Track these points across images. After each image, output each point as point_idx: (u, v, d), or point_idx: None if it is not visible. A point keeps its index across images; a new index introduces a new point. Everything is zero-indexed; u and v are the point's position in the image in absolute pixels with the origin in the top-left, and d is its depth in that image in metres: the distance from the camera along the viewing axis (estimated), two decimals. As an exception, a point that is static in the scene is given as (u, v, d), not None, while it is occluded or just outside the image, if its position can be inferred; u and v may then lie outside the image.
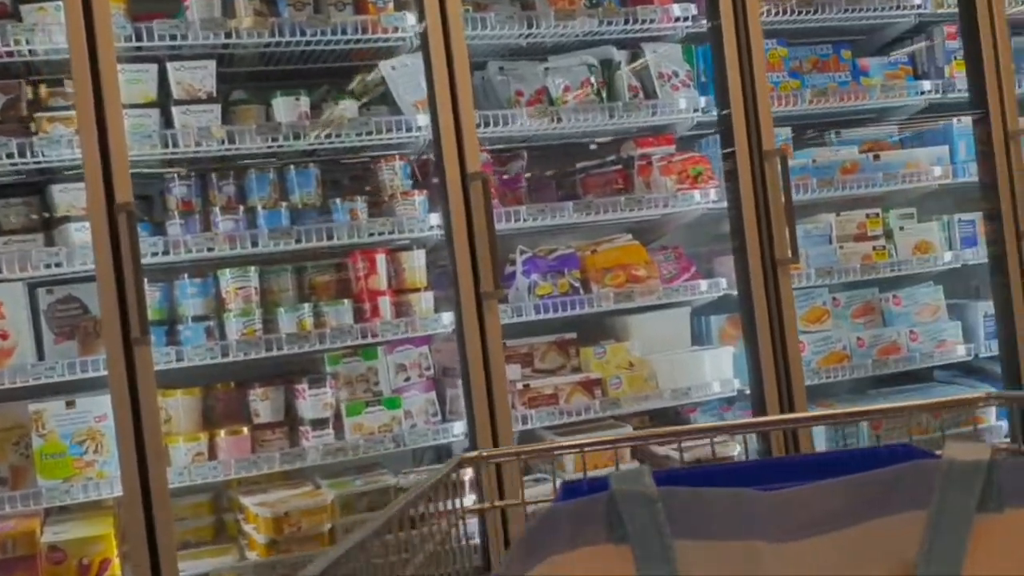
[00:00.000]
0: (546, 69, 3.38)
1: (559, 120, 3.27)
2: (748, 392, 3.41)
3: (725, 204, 3.34)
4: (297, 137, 3.05)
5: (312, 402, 3.06)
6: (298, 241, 3.01)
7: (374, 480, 3.13)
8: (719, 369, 3.43)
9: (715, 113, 3.37)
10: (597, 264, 3.38)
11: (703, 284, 3.42)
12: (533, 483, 3.17)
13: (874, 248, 3.53)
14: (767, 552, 0.79)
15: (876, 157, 3.57)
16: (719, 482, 0.92)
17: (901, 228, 3.60)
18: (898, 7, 3.56)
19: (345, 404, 3.12)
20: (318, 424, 3.06)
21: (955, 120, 3.63)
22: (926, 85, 3.59)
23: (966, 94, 3.55)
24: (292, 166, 3.19)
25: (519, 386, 3.24)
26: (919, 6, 3.56)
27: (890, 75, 3.65)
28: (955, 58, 3.62)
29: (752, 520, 0.81)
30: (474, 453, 1.35)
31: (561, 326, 3.42)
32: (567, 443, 1.56)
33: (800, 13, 3.43)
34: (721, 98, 3.27)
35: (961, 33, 3.51)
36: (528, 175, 3.48)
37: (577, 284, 3.33)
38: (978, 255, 3.58)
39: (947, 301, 3.68)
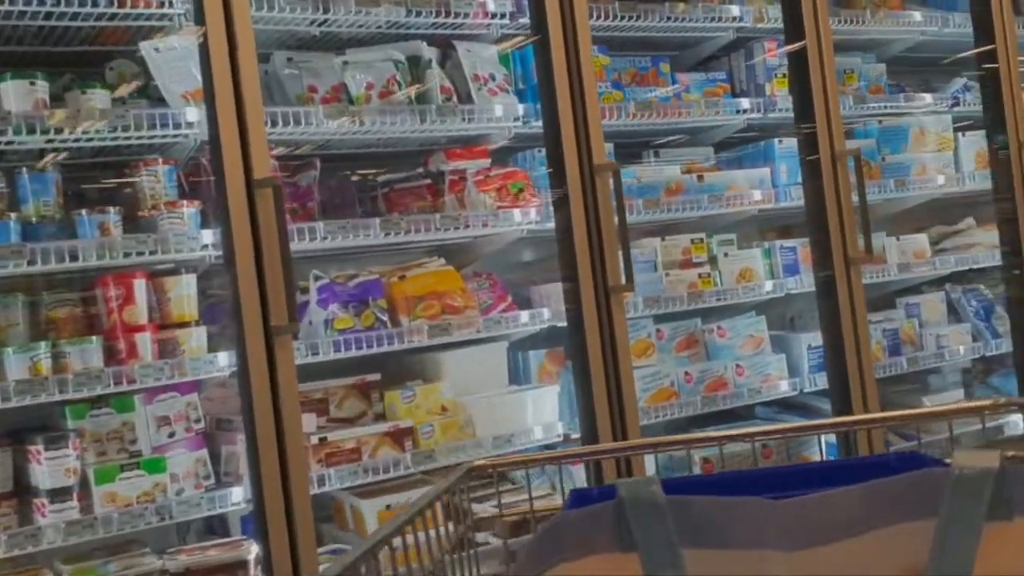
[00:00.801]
0: (345, 63, 2.88)
1: (362, 123, 2.78)
2: (573, 436, 3.04)
3: (550, 224, 2.96)
4: (32, 131, 2.40)
5: (50, 467, 2.39)
6: (31, 263, 2.34)
7: (132, 563, 2.48)
8: (542, 412, 3.03)
9: (535, 123, 3.00)
10: (407, 292, 2.90)
11: (524, 315, 3.02)
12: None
13: (700, 276, 3.27)
14: (777, 561, 0.79)
15: (700, 178, 3.32)
16: (728, 491, 0.90)
17: (725, 255, 3.36)
18: (717, 19, 3.33)
19: (93, 469, 2.46)
20: (58, 495, 2.39)
21: (777, 141, 3.44)
22: (745, 103, 3.39)
23: (788, 113, 3.37)
24: (24, 168, 2.52)
25: (313, 440, 2.70)
26: (738, 18, 3.35)
27: (709, 92, 3.42)
28: (776, 75, 3.45)
29: (761, 529, 0.79)
30: (483, 461, 1.30)
31: (359, 366, 2.91)
32: (574, 451, 1.47)
33: (624, 19, 3.13)
34: (548, 107, 2.90)
35: (786, 49, 3.33)
36: (329, 186, 2.96)
37: (383, 316, 2.83)
38: (801, 283, 3.39)
39: (770, 333, 3.47)
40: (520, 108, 3.01)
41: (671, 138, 3.59)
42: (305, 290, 2.82)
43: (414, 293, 2.90)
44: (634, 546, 0.80)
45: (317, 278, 2.83)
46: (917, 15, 3.67)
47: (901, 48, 3.87)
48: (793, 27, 3.28)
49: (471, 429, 2.92)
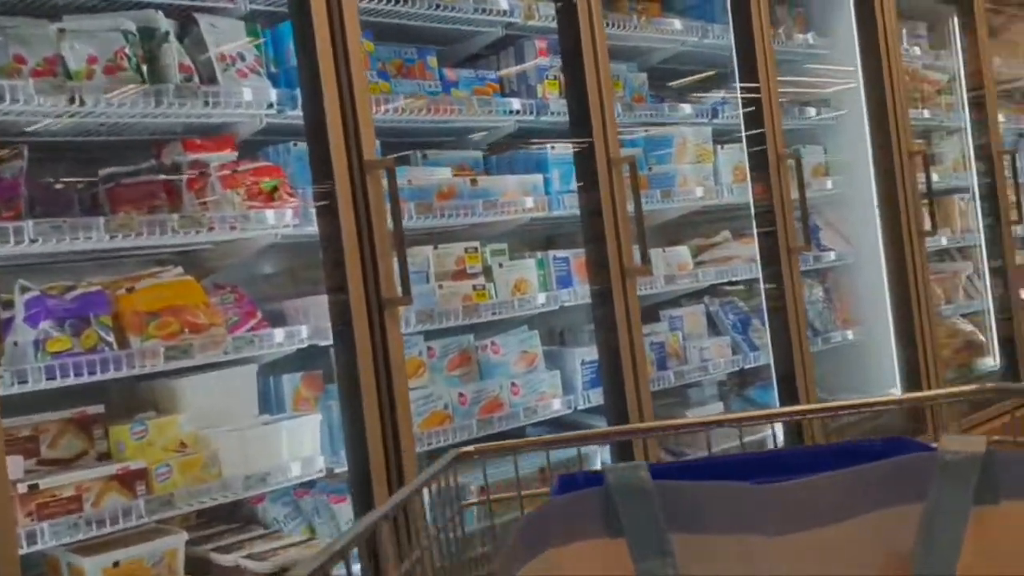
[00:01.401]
0: (61, 31, 2.37)
1: (82, 102, 2.29)
2: (338, 471, 2.68)
3: (309, 228, 2.59)
4: None
5: None
6: None
7: None
8: (300, 444, 2.64)
9: (291, 112, 2.62)
10: (137, 307, 2.42)
11: (279, 334, 2.62)
12: None
13: (475, 288, 3.00)
14: (763, 545, 0.78)
15: (474, 182, 3.06)
16: (715, 476, 0.88)
17: (500, 265, 3.11)
18: (485, 12, 3.10)
19: None
20: None
21: (549, 146, 3.25)
22: (516, 104, 3.17)
23: (560, 117, 3.19)
24: None
25: (21, 488, 2.17)
26: (507, 12, 3.13)
27: (479, 90, 3.17)
28: (547, 77, 3.26)
29: (748, 514, 0.79)
30: (470, 448, 1.28)
31: (78, 396, 2.40)
32: (564, 436, 1.45)
33: (391, 2, 2.82)
34: (309, 94, 2.53)
35: (561, 50, 3.15)
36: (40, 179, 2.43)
37: (108, 336, 2.34)
38: (575, 295, 3.21)
39: (543, 348, 3.26)
40: (273, 93, 2.62)
41: (439, 139, 3.31)
42: (9, 304, 2.29)
43: (146, 308, 2.43)
44: (621, 531, 0.80)
45: (25, 290, 2.30)
46: (677, 23, 3.62)
47: (661, 58, 3.81)
48: (567, 26, 3.10)
49: (216, 468, 2.49)
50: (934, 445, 0.83)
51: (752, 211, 3.68)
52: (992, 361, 4.79)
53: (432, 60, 3.12)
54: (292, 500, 2.84)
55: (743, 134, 3.68)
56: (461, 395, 2.96)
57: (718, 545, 0.80)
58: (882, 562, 0.78)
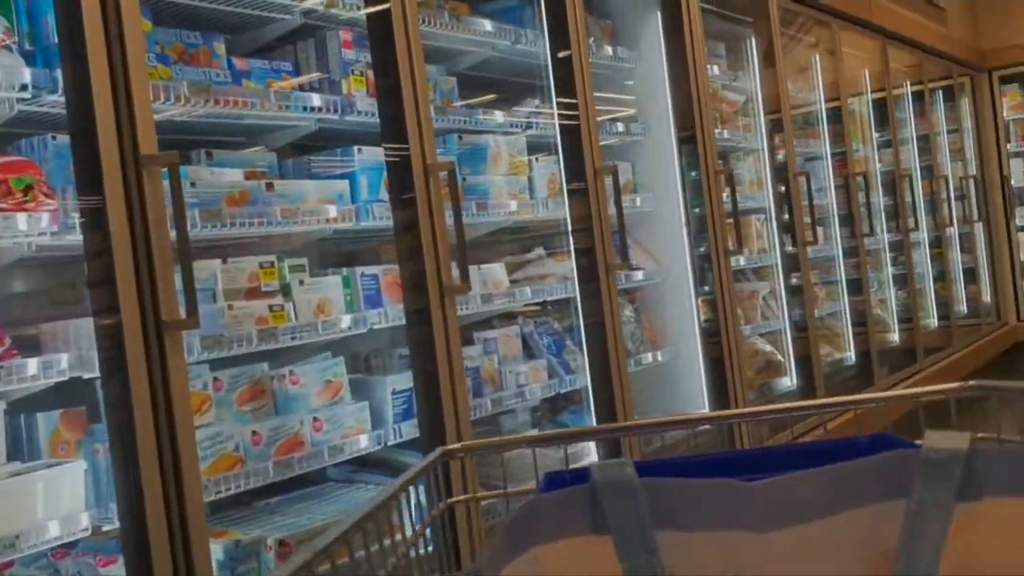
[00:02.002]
0: None
1: None
2: (106, 528, 2.23)
3: (71, 238, 2.15)
4: None
5: None
6: None
7: None
8: (59, 498, 2.17)
9: (51, 98, 2.17)
10: None
11: (31, 364, 2.14)
12: None
13: (271, 308, 2.61)
14: (749, 542, 0.78)
15: (270, 187, 2.67)
16: (701, 473, 0.87)
17: (301, 283, 2.74)
18: (280, -4, 2.75)
19: None
20: None
21: (356, 149, 2.91)
22: (317, 100, 2.81)
23: (368, 118, 2.86)
24: None
25: None
26: (305, -2, 2.79)
27: (274, 84, 2.80)
28: (353, 72, 2.92)
29: (734, 510, 0.79)
30: (456, 445, 1.29)
31: None
32: (549, 433, 1.51)
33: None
34: (74, 77, 2.09)
35: (371, 43, 2.82)
36: None
37: None
38: (385, 317, 2.89)
39: (349, 376, 2.91)
40: (27, 74, 2.15)
41: (226, 138, 2.91)
42: None
43: None
44: (607, 528, 0.79)
45: None
46: (488, 24, 3.37)
47: (471, 63, 3.56)
48: (377, 18, 2.79)
49: (-50, 533, 1.99)
50: (918, 442, 0.82)
51: (568, 227, 3.48)
52: (788, 381, 4.83)
53: (219, 47, 2.72)
54: (49, 564, 2.36)
55: (559, 146, 3.48)
56: (255, 433, 2.57)
57: (704, 542, 0.79)
58: (866, 559, 0.77)
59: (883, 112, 6.54)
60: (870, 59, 6.35)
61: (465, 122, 3.25)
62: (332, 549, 0.89)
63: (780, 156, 5.00)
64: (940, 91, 7.60)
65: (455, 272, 2.84)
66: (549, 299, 3.57)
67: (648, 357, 3.93)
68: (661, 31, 4.11)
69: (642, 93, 4.14)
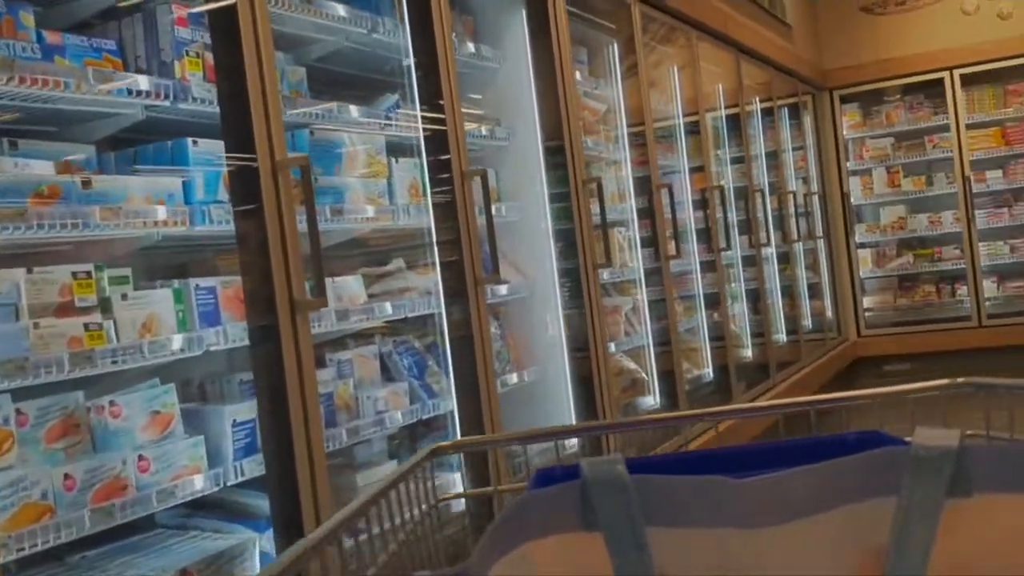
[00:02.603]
0: None
1: None
2: None
3: None
4: None
5: None
6: None
7: None
8: None
9: None
10: None
11: None
12: None
13: (87, 327, 2.19)
14: (739, 539, 0.78)
15: (87, 183, 2.25)
16: (692, 469, 0.88)
17: (123, 297, 2.33)
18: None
19: None
20: None
21: (191, 142, 2.51)
22: (144, 83, 2.41)
23: (206, 107, 2.48)
24: None
25: None
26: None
27: (93, 63, 2.38)
28: (188, 53, 2.53)
29: (724, 507, 0.79)
30: (449, 443, 1.31)
31: None
32: (542, 431, 1.47)
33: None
34: None
35: (210, 19, 2.44)
36: None
37: None
38: (224, 337, 2.50)
39: (182, 406, 2.50)
40: None
41: (33, 126, 2.46)
42: None
43: None
44: (598, 525, 0.78)
45: None
46: (341, 9, 3.03)
47: (322, 53, 3.21)
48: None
49: None
50: (907, 439, 0.83)
51: (432, 236, 3.18)
52: (652, 400, 4.66)
53: (27, 17, 2.28)
54: None
55: (422, 148, 3.17)
56: (67, 477, 2.14)
57: (694, 539, 0.79)
58: (857, 556, 0.77)
59: (735, 127, 6.53)
60: (723, 74, 6.32)
61: (317, 116, 2.89)
62: (323, 546, 0.89)
63: (638, 169, 4.84)
64: (786, 108, 7.69)
65: (308, 285, 2.49)
66: (410, 315, 3.24)
67: (514, 377, 3.66)
68: (526, 31, 3.87)
69: (506, 96, 3.88)
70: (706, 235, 5.63)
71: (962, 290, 8.37)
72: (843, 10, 8.37)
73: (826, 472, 0.80)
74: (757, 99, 6.99)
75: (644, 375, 4.61)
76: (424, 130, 3.16)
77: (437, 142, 3.15)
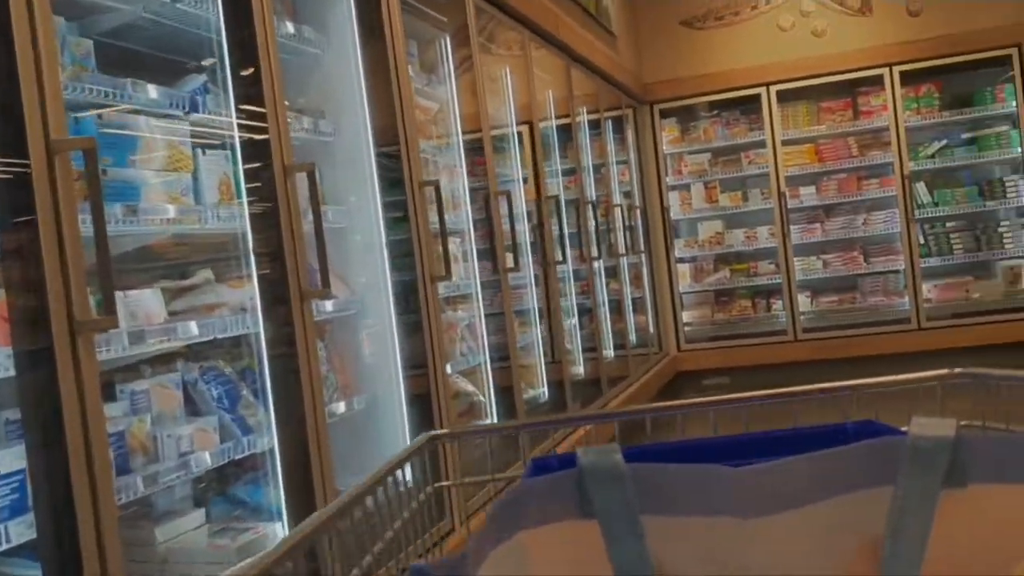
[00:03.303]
0: None
1: None
2: None
3: None
4: None
5: None
6: None
7: None
8: None
9: None
10: None
11: None
12: None
13: None
14: (735, 527, 0.79)
15: None
16: (688, 458, 0.87)
17: None
18: None
19: None
20: None
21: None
22: None
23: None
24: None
25: None
26: None
27: None
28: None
29: (720, 496, 0.80)
30: (443, 431, 1.32)
31: None
32: (533, 421, 1.30)
33: None
34: None
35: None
36: None
37: None
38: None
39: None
40: None
41: None
42: None
43: None
44: (594, 513, 0.78)
45: None
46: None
47: (114, 24, 2.69)
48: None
49: None
50: (904, 428, 0.81)
51: (248, 243, 2.71)
52: (490, 422, 4.31)
53: None
54: None
55: (235, 137, 2.70)
56: None
57: (690, 527, 0.79)
58: (852, 545, 0.77)
59: (565, 138, 6.32)
60: (554, 82, 6.09)
61: (108, 95, 2.38)
62: (319, 534, 0.91)
63: (471, 179, 4.51)
64: (611, 121, 7.56)
65: (92, 300, 1.99)
66: (220, 336, 2.75)
67: (341, 406, 3.22)
68: (354, 16, 3.45)
69: (332, 86, 3.44)
70: (537, 248, 5.35)
71: (777, 304, 8.49)
72: (664, 23, 8.35)
73: (822, 462, 0.80)
74: (584, 110, 6.81)
75: (482, 398, 4.26)
76: (239, 117, 2.70)
77: (254, 132, 2.69)
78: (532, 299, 5.18)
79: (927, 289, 8.09)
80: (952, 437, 0.77)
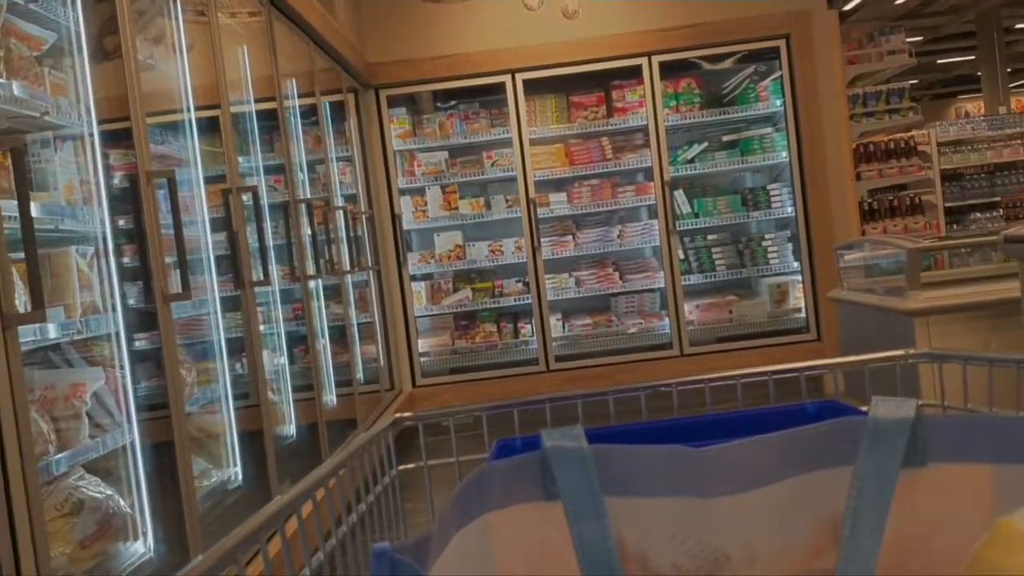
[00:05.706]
0: None
1: None
2: None
3: None
4: None
5: None
6: None
7: None
8: None
9: None
10: None
11: None
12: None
13: None
14: (698, 508, 0.80)
15: None
16: (652, 439, 0.91)
17: None
18: None
19: None
20: None
21: None
22: None
23: None
24: None
25: None
26: None
27: None
28: None
29: (683, 476, 0.80)
30: (409, 414, 1.37)
31: None
32: (504, 403, 1.51)
33: None
34: None
35: None
36: None
37: None
38: None
39: None
40: None
41: None
42: None
43: None
44: (558, 495, 0.79)
45: None
46: None
47: None
48: None
49: None
50: (864, 409, 0.81)
51: None
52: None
53: None
54: None
55: None
56: None
57: (653, 508, 0.79)
58: (814, 523, 0.77)
59: (269, 125, 4.79)
60: (253, 47, 4.55)
61: None
62: (283, 515, 0.92)
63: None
64: (329, 106, 6.09)
65: None
66: None
67: None
68: None
69: None
70: (228, 263, 3.81)
71: (526, 329, 7.35)
72: (393, -6, 6.99)
73: (784, 441, 0.80)
74: (295, 83, 5.30)
75: (125, 505, 2.67)
76: None
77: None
78: (217, 329, 3.62)
79: (688, 310, 7.23)
80: (912, 417, 0.77)
